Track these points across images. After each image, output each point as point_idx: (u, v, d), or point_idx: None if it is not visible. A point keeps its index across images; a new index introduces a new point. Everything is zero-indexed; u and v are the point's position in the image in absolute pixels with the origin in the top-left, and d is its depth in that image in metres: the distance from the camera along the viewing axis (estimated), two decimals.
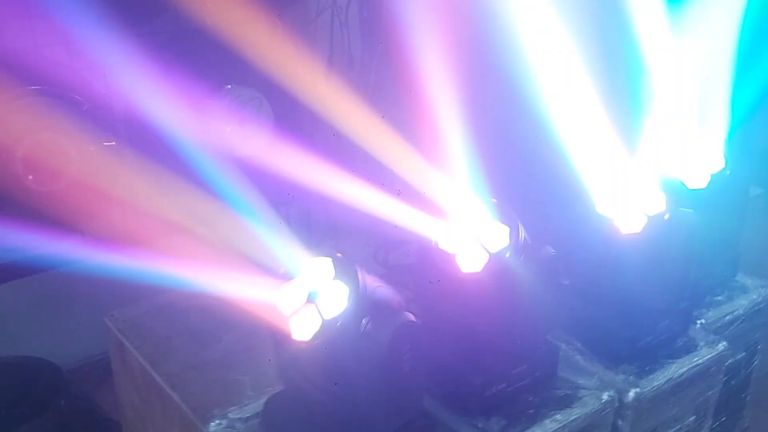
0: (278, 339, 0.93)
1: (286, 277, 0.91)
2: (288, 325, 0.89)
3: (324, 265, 0.91)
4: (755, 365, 1.54)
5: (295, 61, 1.82)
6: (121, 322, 1.39)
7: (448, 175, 1.12)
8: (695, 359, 1.25)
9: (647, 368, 1.22)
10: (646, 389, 1.18)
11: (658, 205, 1.17)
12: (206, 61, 1.61)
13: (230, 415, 1.12)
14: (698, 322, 1.35)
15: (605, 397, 1.15)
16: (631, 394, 1.17)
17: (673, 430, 1.28)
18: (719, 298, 1.44)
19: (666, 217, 1.17)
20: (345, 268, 0.92)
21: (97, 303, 1.45)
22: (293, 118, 1.77)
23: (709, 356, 1.27)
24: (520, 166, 1.68)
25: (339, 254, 0.93)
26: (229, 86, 1.59)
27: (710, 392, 1.31)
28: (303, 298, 0.90)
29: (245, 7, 1.74)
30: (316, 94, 1.83)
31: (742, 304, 1.44)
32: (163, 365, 1.26)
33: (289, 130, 1.73)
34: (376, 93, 2.02)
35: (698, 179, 1.34)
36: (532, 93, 1.39)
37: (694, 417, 1.31)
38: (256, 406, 1.13)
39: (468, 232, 1.03)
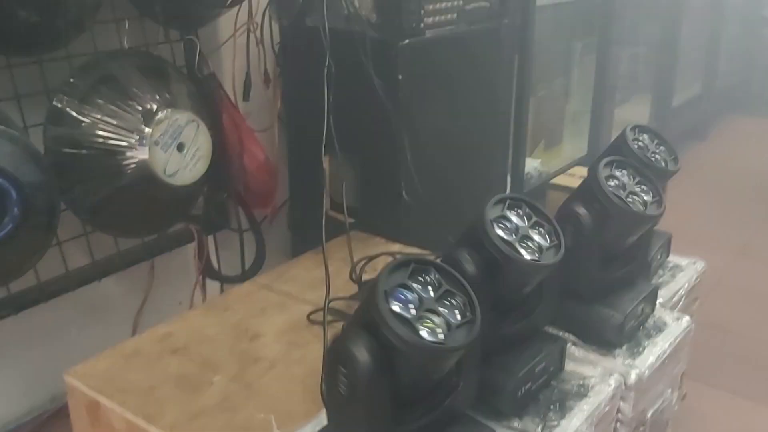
0: None
1: None
2: None
3: None
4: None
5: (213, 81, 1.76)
6: (90, 378, 1.25)
7: None
8: (670, 336, 1.36)
9: (636, 350, 1.30)
10: (643, 369, 1.26)
11: None
12: (136, 85, 1.49)
13: None
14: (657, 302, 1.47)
15: (613, 382, 1.22)
16: (633, 375, 1.24)
17: (657, 404, 1.38)
18: (664, 278, 1.58)
19: None
20: None
21: None
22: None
23: (680, 332, 1.38)
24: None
25: None
26: (164, 111, 1.49)
27: (680, 365, 1.43)
28: None
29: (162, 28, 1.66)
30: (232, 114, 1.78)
31: (682, 281, 1.59)
32: (160, 419, 1.15)
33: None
34: (289, 108, 2.00)
35: None
36: None
37: (670, 390, 1.42)
38: None
39: None
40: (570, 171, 2.53)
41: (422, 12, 1.66)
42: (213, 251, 1.90)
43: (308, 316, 1.44)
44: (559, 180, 2.40)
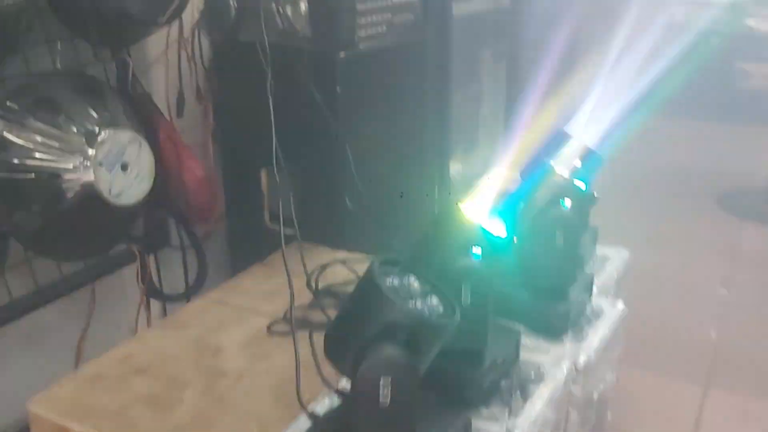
0: None
1: None
2: None
3: None
4: None
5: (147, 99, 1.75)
6: (55, 405, 1.23)
7: None
8: (608, 321, 1.47)
9: (580, 336, 1.41)
10: (590, 353, 1.36)
11: None
12: (75, 106, 1.47)
13: None
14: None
15: (565, 367, 1.31)
16: (582, 359, 1.34)
17: (601, 386, 1.49)
18: (595, 268, 1.70)
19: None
20: None
21: None
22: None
23: (616, 316, 1.50)
24: None
25: None
26: (107, 131, 1.47)
27: (618, 347, 1.55)
28: None
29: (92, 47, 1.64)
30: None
31: (610, 270, 1.71)
32: None
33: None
34: (222, 124, 2.01)
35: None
36: None
37: (610, 372, 1.53)
38: None
39: None
40: (490, 173, 2.65)
41: (356, 25, 1.71)
42: (153, 271, 1.88)
43: (268, 328, 1.46)
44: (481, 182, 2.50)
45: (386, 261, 0.99)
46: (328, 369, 1.14)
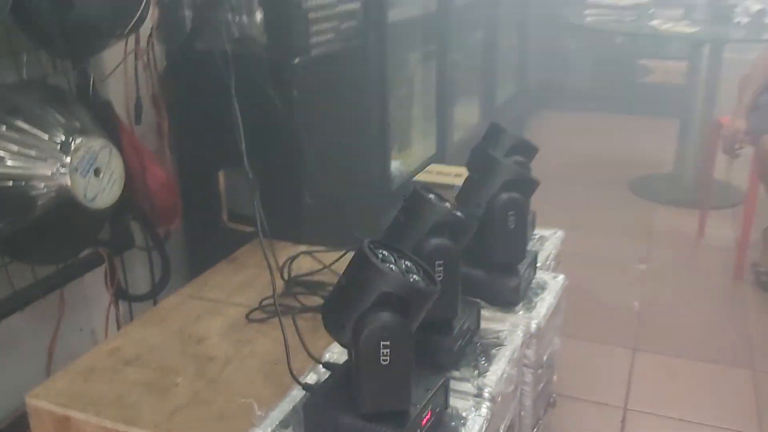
0: None
1: None
2: None
3: None
4: None
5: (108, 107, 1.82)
6: (54, 396, 1.30)
7: None
8: (553, 292, 1.65)
9: (530, 306, 1.57)
10: (540, 320, 1.53)
11: None
12: (46, 115, 1.53)
13: None
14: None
15: (520, 332, 1.47)
16: (533, 326, 1.51)
17: (549, 350, 1.67)
18: (536, 246, 1.88)
19: None
20: None
21: None
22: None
23: (558, 288, 1.68)
24: None
25: None
26: (80, 139, 1.54)
27: (561, 315, 1.73)
28: None
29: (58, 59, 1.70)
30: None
31: (548, 248, 1.90)
32: (140, 420, 1.24)
33: None
34: (178, 128, 2.08)
35: None
36: None
37: (556, 337, 1.71)
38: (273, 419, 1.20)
39: None
40: (427, 168, 2.82)
41: (309, 33, 1.83)
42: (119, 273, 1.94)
43: (247, 316, 1.56)
44: (420, 177, 2.67)
45: (372, 242, 1.12)
46: (313, 347, 1.27)
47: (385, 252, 1.11)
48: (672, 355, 2.26)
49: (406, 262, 1.12)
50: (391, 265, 1.09)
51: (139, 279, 2.05)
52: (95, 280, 1.90)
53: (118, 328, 1.86)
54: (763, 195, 2.70)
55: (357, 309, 1.05)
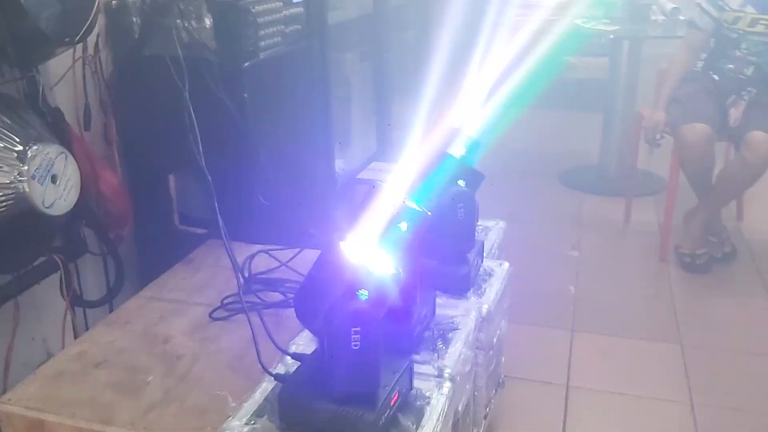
0: None
1: None
2: None
3: None
4: None
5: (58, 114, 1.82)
6: (26, 401, 1.32)
7: None
8: (499, 278, 1.75)
9: (479, 292, 1.68)
10: (490, 305, 1.63)
11: None
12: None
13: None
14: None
15: (473, 317, 1.57)
16: (484, 310, 1.61)
17: (498, 332, 1.77)
18: (480, 237, 1.99)
19: None
20: None
21: None
22: None
23: (504, 274, 1.78)
24: None
25: None
26: (36, 146, 1.56)
27: (508, 299, 1.84)
28: None
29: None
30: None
31: (492, 237, 2.01)
32: (116, 420, 1.28)
33: None
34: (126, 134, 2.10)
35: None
36: None
37: (503, 321, 1.82)
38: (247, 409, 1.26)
39: None
40: (370, 166, 2.91)
41: (258, 37, 1.88)
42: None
43: (210, 314, 1.61)
44: (363, 175, 2.75)
45: (339, 237, 1.19)
46: (278, 341, 1.33)
47: (354, 244, 1.18)
48: (607, 334, 2.41)
49: (376, 253, 1.20)
50: (361, 257, 1.17)
51: (92, 285, 2.06)
52: (46, 288, 1.90)
53: (75, 335, 1.87)
54: (683, 182, 2.89)
55: (328, 298, 1.12)
